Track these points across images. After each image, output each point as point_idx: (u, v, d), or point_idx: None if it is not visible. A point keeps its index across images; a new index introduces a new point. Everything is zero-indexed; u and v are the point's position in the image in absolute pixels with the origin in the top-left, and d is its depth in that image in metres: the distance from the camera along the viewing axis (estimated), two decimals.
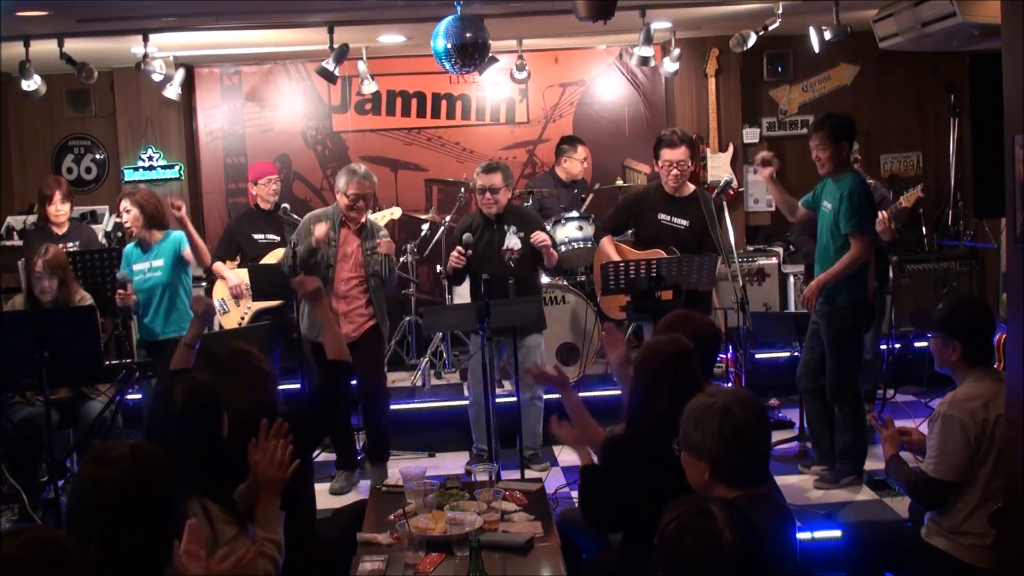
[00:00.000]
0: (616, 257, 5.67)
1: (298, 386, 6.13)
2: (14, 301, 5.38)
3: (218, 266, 6.22)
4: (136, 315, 5.69)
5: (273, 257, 6.19)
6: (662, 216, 5.67)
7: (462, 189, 6.92)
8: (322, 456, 6.14)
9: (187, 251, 5.64)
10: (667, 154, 5.58)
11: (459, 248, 5.39)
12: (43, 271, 5.14)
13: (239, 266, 6.29)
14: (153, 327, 5.61)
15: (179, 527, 2.48)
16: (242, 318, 6.14)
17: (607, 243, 5.83)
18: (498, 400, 5.53)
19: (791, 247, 6.71)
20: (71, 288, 5.27)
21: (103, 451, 2.41)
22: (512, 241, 5.46)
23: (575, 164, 7.16)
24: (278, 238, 6.30)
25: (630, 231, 6.07)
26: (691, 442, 2.68)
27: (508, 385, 6.17)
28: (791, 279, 7.09)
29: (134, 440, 2.60)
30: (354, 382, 5.75)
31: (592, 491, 3.38)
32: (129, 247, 5.75)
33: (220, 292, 6.29)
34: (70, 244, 6.12)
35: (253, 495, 3.12)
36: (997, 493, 3.39)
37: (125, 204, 5.64)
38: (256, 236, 6.31)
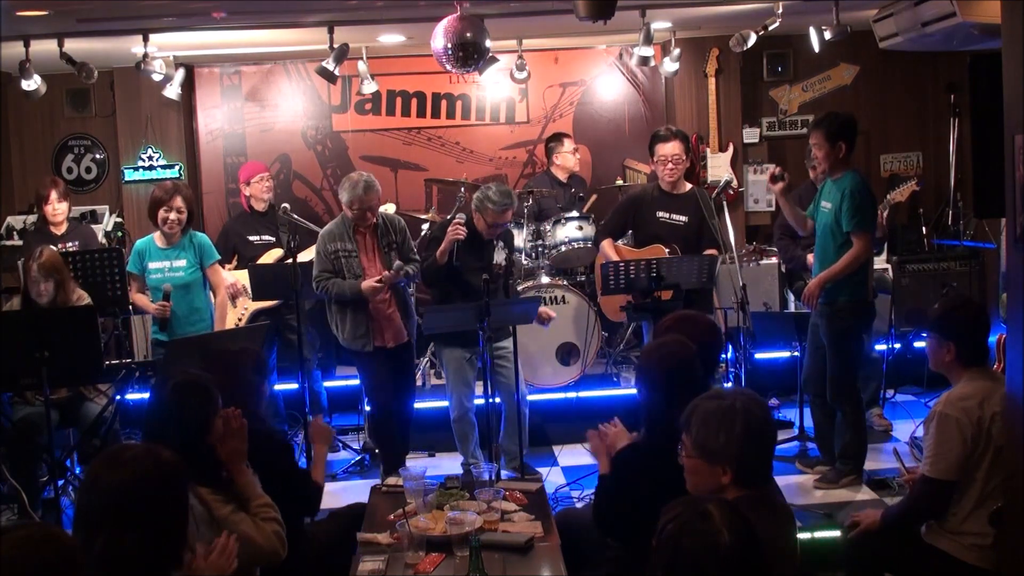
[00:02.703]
0: (615, 259, 5.68)
1: (296, 386, 6.14)
2: (12, 302, 5.37)
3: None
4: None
5: (269, 257, 6.19)
6: (661, 214, 5.70)
7: (462, 189, 6.92)
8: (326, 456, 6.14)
9: (214, 269, 5.76)
10: (661, 149, 5.63)
11: (458, 219, 5.30)
12: (38, 274, 5.11)
13: (236, 267, 6.29)
14: (171, 326, 5.56)
15: (186, 531, 2.49)
16: (239, 319, 6.14)
17: (607, 246, 5.83)
18: (475, 401, 5.55)
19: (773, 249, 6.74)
20: (68, 289, 5.24)
21: (117, 452, 2.42)
22: (500, 256, 5.44)
23: (567, 157, 7.18)
24: (273, 239, 6.29)
25: (629, 232, 6.07)
26: (708, 447, 2.61)
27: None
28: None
29: (147, 443, 2.62)
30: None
31: (607, 501, 3.38)
32: (146, 242, 5.68)
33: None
34: (69, 244, 6.11)
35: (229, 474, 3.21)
36: (996, 492, 3.40)
37: (179, 203, 5.56)
38: (251, 238, 6.31)
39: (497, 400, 5.39)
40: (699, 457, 2.65)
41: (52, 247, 5.39)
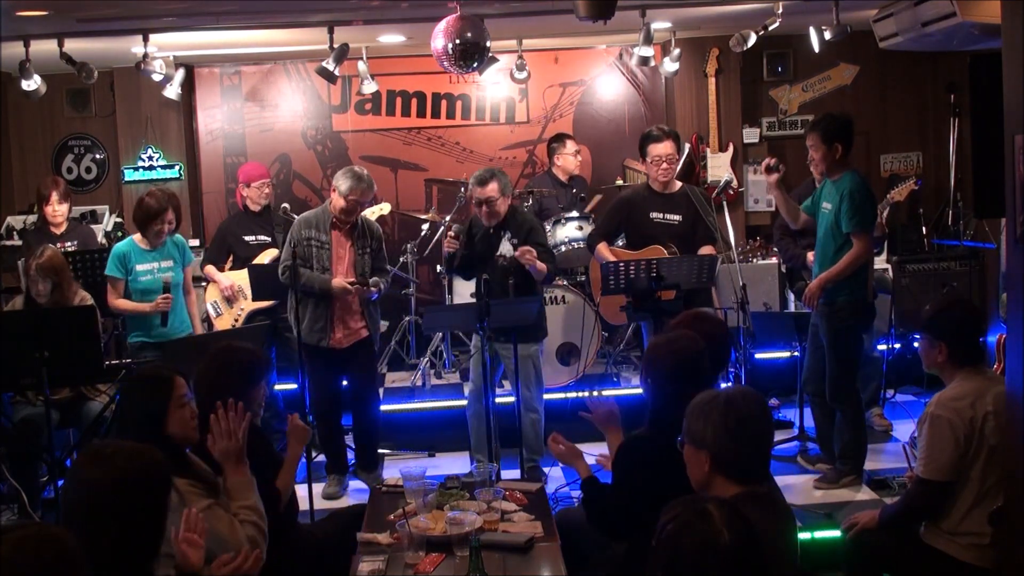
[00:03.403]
0: (613, 259, 5.68)
1: (295, 386, 6.13)
2: (15, 302, 5.37)
3: (209, 269, 6.23)
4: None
5: (265, 257, 6.19)
6: (654, 214, 5.68)
7: (462, 189, 6.92)
8: (320, 456, 6.14)
9: (188, 270, 5.68)
10: (654, 149, 5.61)
11: (450, 234, 5.39)
12: (36, 274, 5.10)
13: (233, 267, 6.29)
14: (156, 325, 5.48)
15: (164, 527, 2.50)
16: (235, 320, 6.14)
17: (603, 249, 5.80)
18: (497, 400, 5.52)
19: (774, 249, 6.75)
20: (69, 290, 5.22)
21: (98, 449, 2.45)
22: (504, 247, 5.36)
23: (568, 159, 7.18)
24: (269, 239, 6.28)
25: (622, 235, 6.07)
26: (693, 433, 2.71)
27: (507, 384, 6.15)
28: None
29: (130, 441, 2.63)
30: (345, 382, 5.79)
31: (598, 503, 3.40)
32: (127, 245, 5.51)
33: (212, 295, 6.29)
34: (68, 244, 6.10)
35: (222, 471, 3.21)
36: (992, 491, 3.41)
37: (171, 216, 5.46)
38: (247, 238, 6.30)
39: (510, 400, 5.39)
40: (688, 443, 2.74)
41: (55, 247, 5.37)
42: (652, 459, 3.20)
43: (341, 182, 5.30)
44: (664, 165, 5.61)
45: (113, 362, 5.06)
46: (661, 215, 5.68)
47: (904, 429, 5.99)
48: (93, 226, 7.11)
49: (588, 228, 6.56)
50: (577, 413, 3.87)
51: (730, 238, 5.67)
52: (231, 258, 6.35)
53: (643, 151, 5.69)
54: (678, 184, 5.75)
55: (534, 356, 5.43)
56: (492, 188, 5.28)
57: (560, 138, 7.29)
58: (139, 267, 5.48)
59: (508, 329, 5.03)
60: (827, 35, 6.32)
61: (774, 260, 6.83)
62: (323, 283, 5.27)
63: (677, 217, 5.65)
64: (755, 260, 6.11)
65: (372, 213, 6.41)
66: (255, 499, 3.17)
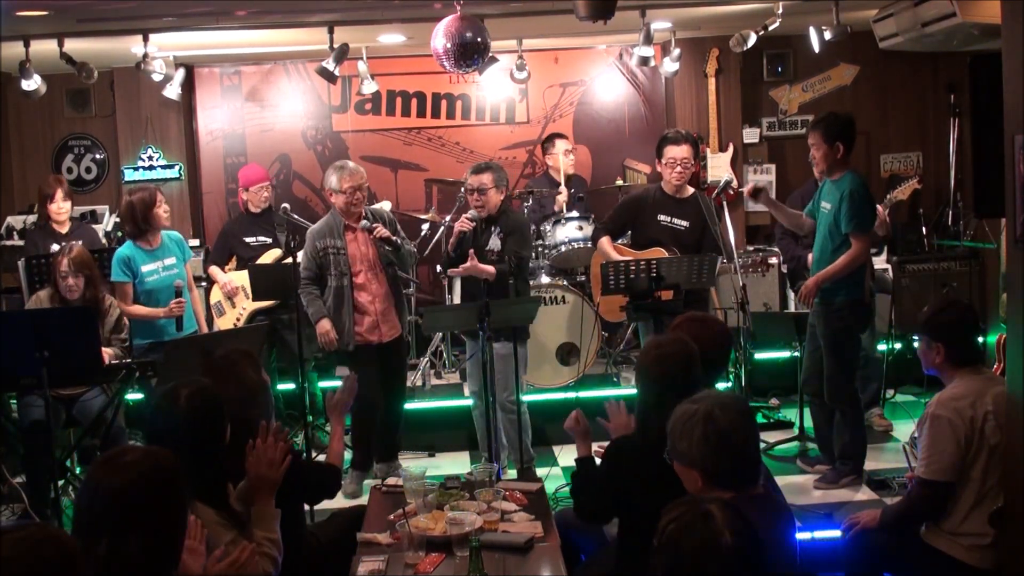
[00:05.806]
0: (616, 257, 5.67)
1: (292, 386, 6.13)
2: (39, 296, 5.28)
3: (212, 269, 6.25)
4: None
5: (268, 258, 6.20)
6: (662, 217, 5.69)
7: (462, 189, 6.92)
8: (320, 456, 6.14)
9: (188, 266, 5.72)
10: (671, 151, 5.61)
11: (466, 216, 5.39)
12: (68, 269, 5.07)
13: (236, 269, 6.30)
14: (168, 327, 5.48)
15: (184, 532, 2.49)
16: (237, 319, 6.15)
17: (606, 244, 5.81)
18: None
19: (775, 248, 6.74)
20: (98, 287, 5.20)
21: (115, 455, 2.41)
22: (493, 242, 5.41)
23: (557, 159, 7.18)
24: (270, 240, 6.30)
25: (628, 233, 6.07)
26: (680, 453, 2.68)
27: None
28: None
29: (146, 445, 2.60)
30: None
31: (585, 483, 3.41)
32: (128, 249, 5.51)
33: (216, 295, 6.30)
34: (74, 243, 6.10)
35: (249, 495, 3.14)
36: (993, 491, 3.41)
37: (161, 197, 5.58)
38: (248, 239, 6.32)
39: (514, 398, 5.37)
40: (676, 461, 2.71)
41: (80, 244, 5.35)
42: (638, 461, 3.19)
43: (331, 179, 5.38)
44: (679, 169, 5.60)
45: (113, 362, 5.05)
46: (669, 218, 5.68)
47: (904, 429, 5.99)
48: (93, 226, 7.10)
49: (588, 228, 6.56)
50: (580, 412, 3.84)
51: (731, 243, 5.65)
52: (233, 259, 6.36)
53: (660, 152, 5.69)
54: (690, 190, 5.74)
55: (509, 357, 5.32)
56: (486, 178, 5.39)
57: (550, 139, 7.30)
58: (144, 268, 5.51)
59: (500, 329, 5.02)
60: (827, 35, 6.32)
61: (774, 260, 6.82)
62: (313, 317, 5.39)
63: (685, 223, 5.65)
64: (755, 273, 6.09)
65: None
66: (278, 532, 3.09)
